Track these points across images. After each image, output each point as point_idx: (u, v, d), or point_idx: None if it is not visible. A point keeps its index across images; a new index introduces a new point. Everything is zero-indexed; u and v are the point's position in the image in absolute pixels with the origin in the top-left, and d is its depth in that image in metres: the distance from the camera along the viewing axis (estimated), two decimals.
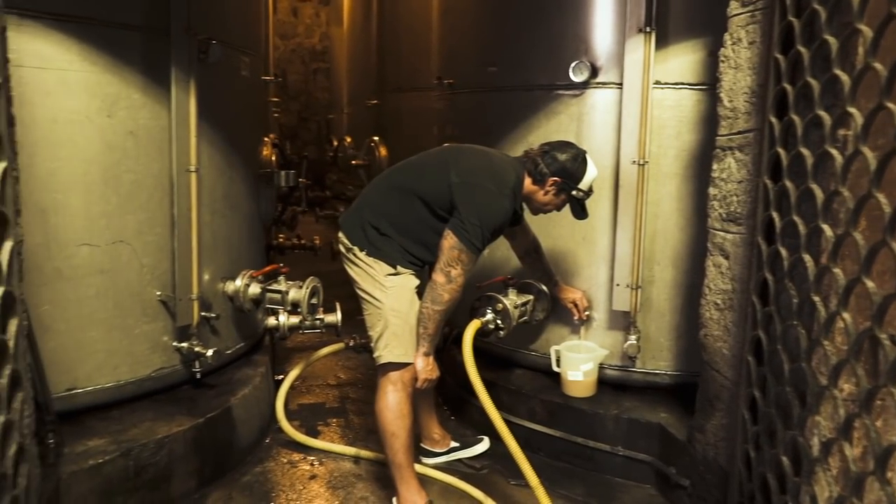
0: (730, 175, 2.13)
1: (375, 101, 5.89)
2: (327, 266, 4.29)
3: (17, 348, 1.49)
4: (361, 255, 2.32)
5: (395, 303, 2.27)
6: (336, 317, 3.09)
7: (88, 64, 2.34)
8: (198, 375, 2.69)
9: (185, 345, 2.64)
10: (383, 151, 5.45)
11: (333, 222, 7.33)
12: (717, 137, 2.18)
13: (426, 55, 4.55)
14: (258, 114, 3.49)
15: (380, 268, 2.30)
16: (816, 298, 1.56)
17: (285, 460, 2.78)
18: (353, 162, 5.72)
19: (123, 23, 2.42)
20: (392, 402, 2.29)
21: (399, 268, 2.30)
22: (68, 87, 2.30)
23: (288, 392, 3.03)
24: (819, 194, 1.57)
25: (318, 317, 3.02)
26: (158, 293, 2.59)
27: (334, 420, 3.17)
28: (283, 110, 8.62)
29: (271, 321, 3.10)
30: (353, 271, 2.36)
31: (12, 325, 1.47)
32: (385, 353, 2.28)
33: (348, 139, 6.92)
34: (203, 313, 2.69)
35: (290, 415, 3.03)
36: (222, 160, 2.85)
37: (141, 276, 2.54)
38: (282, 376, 3.21)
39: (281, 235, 4.82)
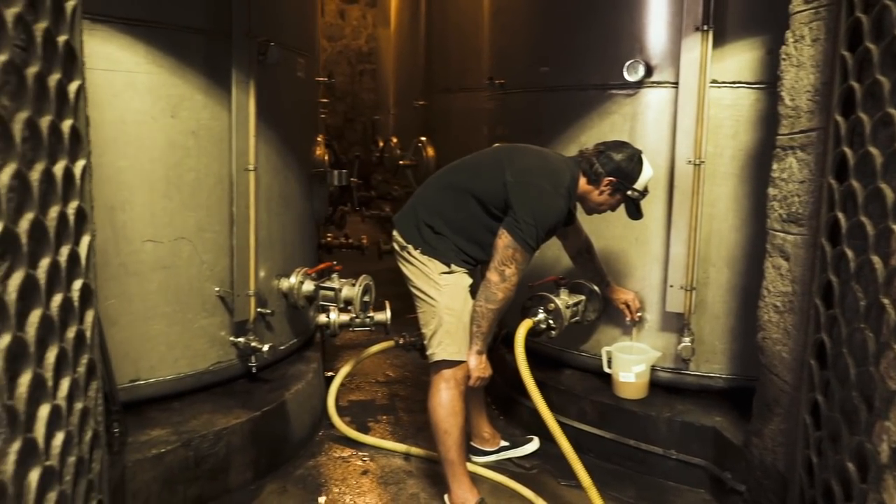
0: (791, 175, 2.09)
1: (423, 102, 5.93)
2: (374, 265, 4.35)
3: (93, 339, 1.55)
4: (416, 253, 2.34)
5: (449, 301, 2.29)
6: (385, 315, 3.14)
7: (154, 66, 2.42)
8: (253, 370, 2.75)
9: (241, 340, 2.71)
10: (431, 152, 5.49)
11: (379, 222, 7.42)
12: (778, 137, 2.14)
13: (476, 55, 4.56)
14: (311, 114, 3.55)
15: (434, 266, 2.32)
16: (886, 301, 1.52)
17: (337, 455, 2.82)
18: (401, 162, 5.77)
19: (188, 26, 2.49)
20: (445, 399, 2.31)
21: (453, 266, 2.32)
22: (135, 89, 2.38)
23: (338, 388, 3.08)
24: (889, 194, 1.53)
25: (367, 314, 3.06)
26: (217, 289, 2.66)
27: (384, 417, 3.21)
28: (330, 111, 8.73)
29: (322, 318, 3.16)
30: (407, 269, 2.38)
31: (89, 316, 1.53)
32: (439, 350, 2.30)
33: (394, 140, 6.98)
34: (259, 309, 2.75)
35: (340, 411, 3.07)
36: (278, 159, 2.92)
37: (200, 272, 2.62)
38: (332, 373, 3.26)
39: (329, 234, 4.89)
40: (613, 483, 2.63)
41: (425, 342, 2.36)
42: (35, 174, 1.22)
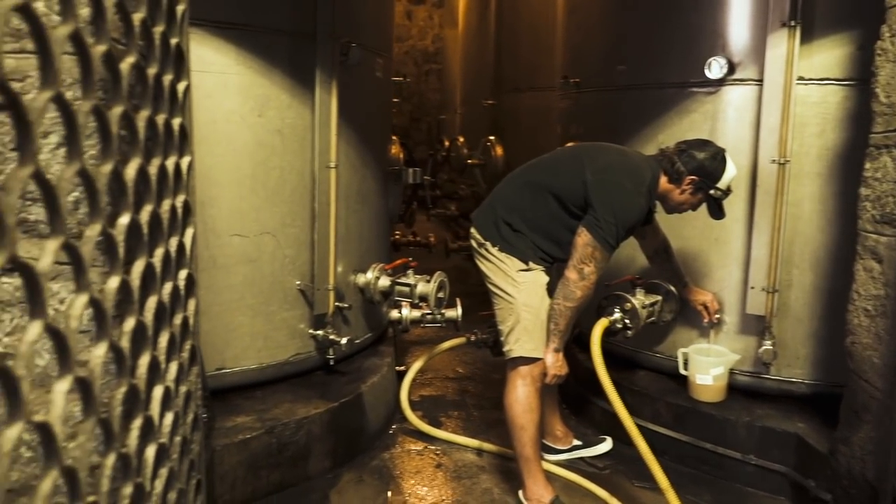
0: (885, 174, 2.03)
1: (491, 102, 5.95)
2: (441, 263, 4.38)
3: (195, 326, 1.63)
4: (494, 250, 2.36)
5: (526, 298, 2.31)
6: (456, 312, 3.17)
7: (244, 68, 2.52)
8: (331, 362, 2.83)
9: (320, 332, 2.79)
10: (499, 151, 5.50)
11: (443, 221, 7.47)
12: (872, 135, 2.07)
13: (548, 54, 4.55)
14: (388, 113, 3.62)
15: (512, 263, 2.34)
16: None
17: (410, 448, 2.87)
18: (469, 161, 5.80)
19: (275, 28, 2.58)
20: (521, 395, 2.32)
21: (531, 264, 2.33)
22: (226, 90, 2.48)
23: (410, 383, 3.13)
24: None
25: (440, 311, 3.10)
26: (298, 283, 2.75)
27: (455, 413, 3.25)
28: (397, 111, 8.86)
29: (394, 314, 3.22)
30: (484, 266, 2.41)
31: (191, 305, 1.61)
32: (516, 347, 2.32)
33: (461, 139, 7.02)
34: (337, 303, 2.83)
35: (412, 405, 3.12)
36: (356, 157, 2.99)
37: (283, 266, 2.71)
38: (402, 368, 3.32)
39: (398, 232, 4.96)
40: (688, 486, 2.59)
41: (502, 339, 2.38)
42: (153, 169, 1.30)
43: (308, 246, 2.76)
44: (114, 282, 1.02)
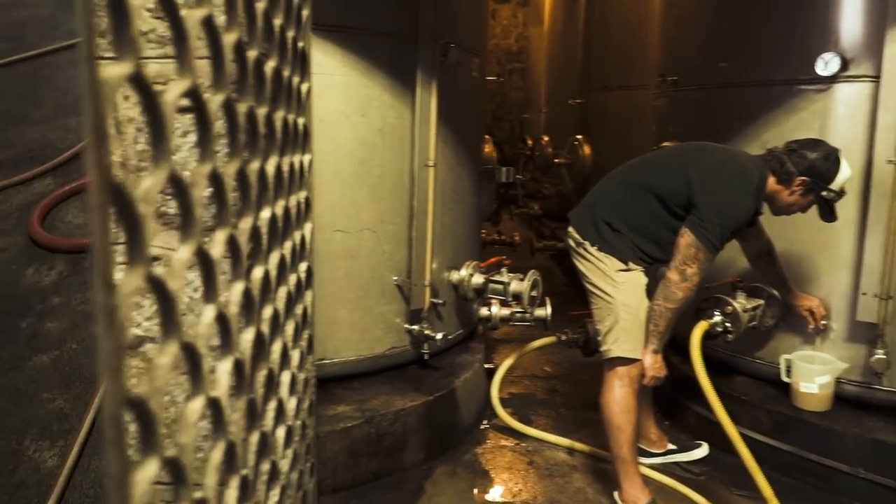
0: None
1: (579, 100, 5.90)
2: (525, 262, 4.38)
3: (312, 316, 1.71)
4: (592, 249, 2.36)
5: (626, 298, 2.29)
6: (545, 311, 3.17)
7: (348, 69, 2.61)
8: (426, 357, 2.89)
9: (415, 327, 2.85)
10: (587, 150, 5.45)
11: (526, 220, 7.46)
12: None
13: (641, 52, 4.49)
14: (482, 112, 3.65)
15: (611, 263, 2.33)
16: None
17: (501, 444, 2.90)
18: (556, 161, 5.78)
19: (378, 30, 2.66)
20: (619, 396, 2.31)
21: (630, 264, 2.31)
22: (333, 90, 2.58)
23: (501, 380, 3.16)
24: None
25: (528, 310, 3.11)
26: (395, 278, 2.82)
27: (544, 411, 3.25)
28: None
29: (483, 311, 3.25)
30: (582, 265, 2.41)
31: (309, 296, 1.69)
32: (614, 347, 2.30)
33: (545, 138, 6.99)
34: (432, 299, 2.88)
35: (501, 402, 3.14)
36: (452, 156, 3.03)
37: (381, 262, 2.78)
38: (491, 365, 3.34)
39: (483, 230, 4.99)
40: (790, 498, 2.50)
41: (599, 338, 2.38)
42: (285, 166, 1.37)
43: (405, 242, 2.82)
44: (259, 272, 1.09)
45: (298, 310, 1.57)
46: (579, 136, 5.59)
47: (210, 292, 0.77)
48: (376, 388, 2.73)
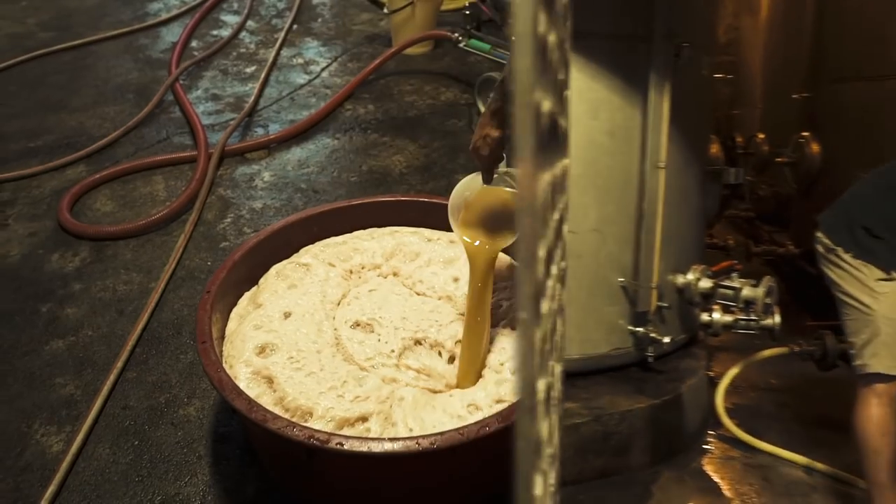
0: None
1: (805, 94, 5.46)
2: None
3: (565, 312, 1.79)
4: (846, 256, 2.21)
5: (888, 310, 2.13)
6: (773, 320, 2.99)
7: (579, 73, 2.65)
8: (650, 360, 2.86)
9: (640, 329, 2.83)
10: (815, 148, 5.03)
11: (733, 222, 7.03)
12: None
13: (880, 42, 4.07)
14: (709, 111, 3.53)
15: (869, 272, 2.17)
16: None
17: (728, 455, 2.80)
18: (777, 160, 5.39)
19: (610, 33, 2.68)
20: (876, 416, 2.15)
21: (893, 273, 2.14)
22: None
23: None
24: None
25: (752, 318, 2.96)
26: (620, 279, 2.82)
27: (772, 425, 3.08)
28: None
29: (704, 317, 3.14)
30: (834, 273, 2.27)
31: (564, 294, 1.77)
32: (873, 362, 2.14)
33: (760, 136, 6.54)
34: (658, 302, 2.85)
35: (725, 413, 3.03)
36: (680, 157, 2.96)
37: (606, 263, 2.80)
38: (711, 372, 3.22)
39: None
40: None
41: (853, 351, 2.22)
42: (558, 170, 1.46)
43: (631, 243, 2.81)
44: (554, 269, 1.18)
45: (555, 304, 1.65)
46: (805, 134, 5.17)
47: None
48: (599, 387, 2.76)
